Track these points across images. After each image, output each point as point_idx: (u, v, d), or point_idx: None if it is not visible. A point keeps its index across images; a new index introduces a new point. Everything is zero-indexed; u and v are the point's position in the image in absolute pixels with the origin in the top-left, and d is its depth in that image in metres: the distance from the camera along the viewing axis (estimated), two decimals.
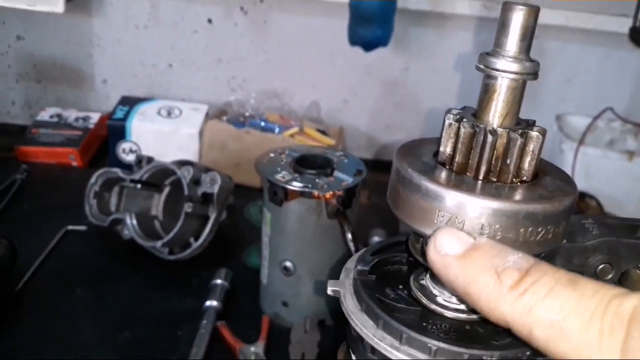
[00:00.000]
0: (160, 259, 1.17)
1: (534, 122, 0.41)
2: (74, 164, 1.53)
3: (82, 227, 1.26)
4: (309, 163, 0.97)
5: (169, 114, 1.53)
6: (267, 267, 1.03)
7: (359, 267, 0.45)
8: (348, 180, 0.94)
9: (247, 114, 1.57)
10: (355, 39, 1.44)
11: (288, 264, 0.99)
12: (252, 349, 0.98)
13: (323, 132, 1.57)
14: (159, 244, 1.13)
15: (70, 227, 1.26)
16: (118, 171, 1.23)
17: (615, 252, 0.43)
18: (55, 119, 1.61)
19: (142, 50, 1.66)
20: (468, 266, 0.36)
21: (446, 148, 0.40)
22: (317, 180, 0.93)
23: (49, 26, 1.62)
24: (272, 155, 0.99)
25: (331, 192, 0.91)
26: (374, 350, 0.41)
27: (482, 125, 0.39)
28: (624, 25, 1.56)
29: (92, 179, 1.24)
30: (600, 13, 1.58)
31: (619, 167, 1.45)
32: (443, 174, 0.39)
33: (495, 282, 0.34)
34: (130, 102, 1.56)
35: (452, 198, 0.37)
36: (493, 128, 0.39)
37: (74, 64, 1.68)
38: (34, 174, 1.45)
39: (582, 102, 1.69)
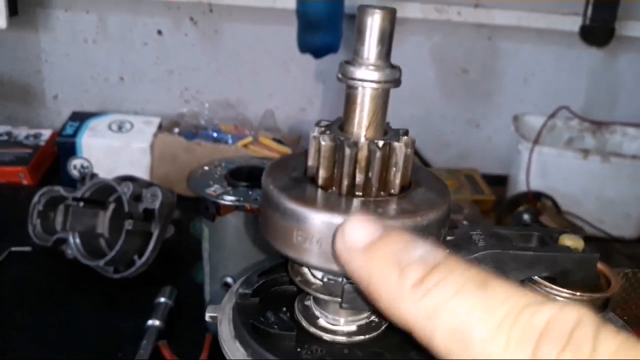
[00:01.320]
0: (107, 278, 1.14)
1: (406, 131, 0.39)
2: (24, 182, 1.50)
3: (27, 248, 1.23)
4: (244, 175, 0.95)
5: (120, 128, 1.51)
6: (208, 284, 1.00)
7: (241, 291, 0.43)
8: None
9: (201, 124, 1.55)
10: (305, 46, 1.43)
11: (229, 280, 0.97)
12: None
13: (279, 141, 1.55)
14: (101, 262, 1.11)
15: (14, 249, 1.23)
16: (60, 189, 1.20)
17: (502, 264, 0.41)
18: (4, 137, 1.57)
19: (92, 65, 1.63)
20: (371, 259, 0.31)
21: (313, 162, 0.38)
22: (250, 192, 0.91)
23: None
24: (206, 168, 0.97)
25: None
26: None
27: (343, 138, 0.37)
28: (576, 23, 1.56)
29: (35, 199, 1.21)
30: (552, 12, 1.58)
31: (575, 165, 1.44)
32: (305, 191, 0.37)
33: (397, 278, 0.30)
34: (80, 118, 1.53)
35: (309, 217, 0.35)
36: (354, 141, 0.37)
37: (23, 81, 1.65)
38: None
39: (540, 101, 1.69)
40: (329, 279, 0.38)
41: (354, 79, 0.37)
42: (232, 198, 0.89)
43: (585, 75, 1.67)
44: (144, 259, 1.12)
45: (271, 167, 0.40)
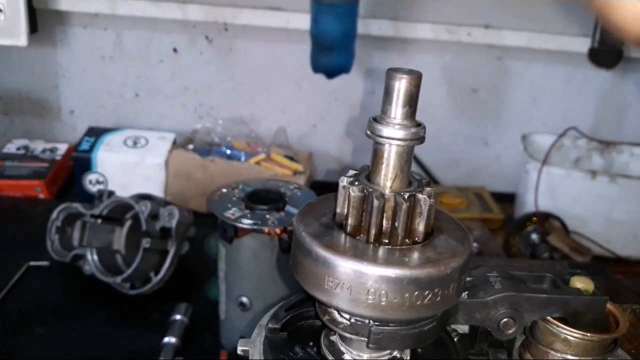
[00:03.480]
0: (123, 294, 1.17)
1: (429, 182, 0.42)
2: (41, 196, 1.52)
3: (45, 263, 1.25)
4: (261, 198, 0.97)
5: (135, 143, 1.54)
6: (224, 302, 1.02)
7: (270, 325, 0.45)
8: None
9: (214, 141, 1.57)
10: (318, 67, 1.46)
11: (244, 299, 0.99)
12: None
13: (291, 158, 1.57)
14: (119, 279, 1.13)
15: (32, 263, 1.25)
16: (79, 206, 1.23)
17: (516, 305, 0.43)
18: (22, 151, 1.60)
19: (109, 80, 1.66)
20: None
21: (342, 210, 0.41)
22: (267, 216, 0.93)
23: (13, 58, 1.63)
24: (224, 190, 0.99)
25: (281, 228, 0.91)
26: None
27: (371, 189, 0.39)
28: (585, 45, 1.58)
29: (54, 214, 1.24)
30: (561, 34, 1.60)
31: (583, 186, 1.46)
32: (335, 238, 0.39)
33: None
34: (96, 133, 1.56)
35: (340, 265, 0.37)
36: (381, 192, 0.39)
37: (40, 96, 1.68)
38: (0, 208, 1.45)
39: (548, 121, 1.71)
40: (356, 320, 0.41)
41: (381, 136, 0.39)
42: (250, 221, 0.91)
43: (594, 96, 1.69)
44: (160, 276, 1.15)
45: (302, 212, 0.42)
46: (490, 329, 0.44)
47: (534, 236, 1.41)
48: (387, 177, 0.40)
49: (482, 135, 1.72)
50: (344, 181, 0.41)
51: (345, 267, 0.37)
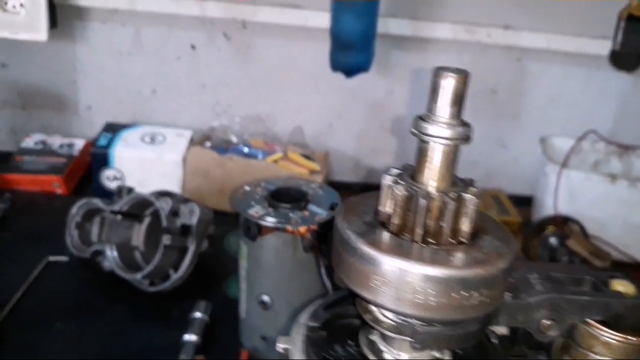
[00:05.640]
0: (142, 290, 1.17)
1: (472, 181, 0.41)
2: (58, 191, 1.53)
3: (64, 258, 1.25)
4: (284, 196, 0.97)
5: (153, 140, 1.54)
6: (245, 301, 1.02)
7: (310, 324, 0.45)
8: (322, 214, 0.94)
9: (231, 139, 1.57)
10: (337, 66, 1.45)
11: (265, 298, 0.99)
12: None
13: (307, 157, 1.57)
14: (138, 276, 1.13)
15: (51, 258, 1.25)
16: (99, 202, 1.23)
17: (558, 307, 0.43)
18: (39, 146, 1.61)
19: (126, 76, 1.67)
20: None
21: (385, 208, 0.40)
22: (290, 214, 0.93)
23: (33, 53, 1.63)
24: (247, 188, 0.99)
25: (305, 227, 0.91)
26: None
27: (416, 188, 0.39)
28: (605, 47, 1.57)
29: (73, 210, 1.24)
30: (581, 35, 1.59)
31: (603, 190, 1.45)
32: (380, 237, 0.39)
33: None
34: (114, 129, 1.57)
35: (386, 263, 0.37)
36: (427, 191, 0.39)
37: (58, 90, 1.68)
38: (18, 203, 1.45)
39: (566, 123, 1.70)
40: (401, 320, 0.40)
41: (427, 134, 0.39)
42: (274, 219, 0.91)
43: (613, 99, 1.68)
44: (179, 273, 1.15)
45: (343, 210, 0.42)
46: (530, 330, 0.44)
47: (553, 240, 1.41)
48: (432, 177, 0.40)
49: (499, 137, 1.71)
50: (387, 180, 0.40)
51: (393, 265, 0.37)
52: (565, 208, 1.45)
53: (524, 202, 1.64)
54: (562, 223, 1.40)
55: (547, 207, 1.48)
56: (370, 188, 1.61)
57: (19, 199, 1.46)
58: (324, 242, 0.94)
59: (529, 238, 1.41)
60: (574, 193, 1.47)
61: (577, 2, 1.57)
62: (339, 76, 1.49)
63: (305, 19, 1.56)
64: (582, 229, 1.40)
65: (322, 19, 1.44)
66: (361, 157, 1.76)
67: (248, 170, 1.47)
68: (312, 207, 0.96)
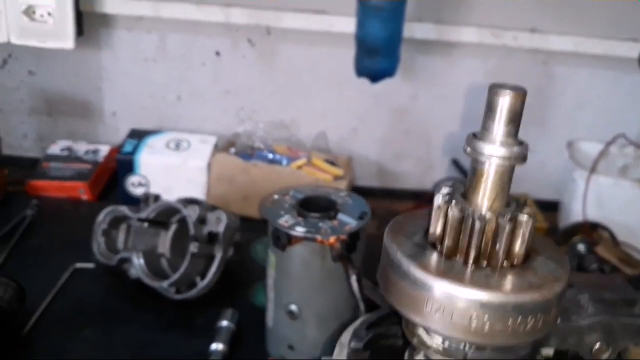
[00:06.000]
0: (168, 298, 1.17)
1: (525, 201, 0.40)
2: (84, 197, 1.54)
3: (90, 265, 1.26)
4: (313, 205, 0.96)
5: (177, 146, 1.54)
6: (272, 310, 1.02)
7: (353, 345, 0.44)
8: (352, 223, 0.93)
9: (255, 145, 1.57)
10: (362, 71, 1.44)
11: (293, 307, 0.98)
12: None
13: (331, 163, 1.56)
14: (165, 283, 1.13)
15: (78, 265, 1.26)
16: (125, 209, 1.23)
17: (610, 330, 0.42)
18: (65, 153, 1.62)
19: (151, 83, 1.67)
20: None
21: (436, 229, 0.39)
22: (320, 224, 0.92)
23: (59, 60, 1.64)
24: (276, 197, 0.98)
25: (335, 237, 0.90)
26: None
27: (470, 209, 0.38)
28: (634, 49, 1.54)
29: (100, 217, 1.24)
30: (609, 38, 1.56)
31: (632, 195, 1.43)
32: (432, 259, 0.38)
33: None
34: (139, 135, 1.57)
35: (441, 288, 0.36)
36: (481, 213, 0.38)
37: (84, 97, 1.69)
38: (44, 209, 1.46)
39: (594, 127, 1.67)
40: (451, 344, 0.39)
41: (482, 154, 0.38)
42: (304, 229, 0.90)
43: None
44: (206, 281, 1.15)
45: (391, 230, 0.41)
46: (582, 353, 0.42)
47: (581, 246, 1.38)
48: (486, 197, 0.39)
49: (526, 141, 1.69)
50: (439, 200, 0.39)
51: (450, 291, 0.36)
52: (593, 214, 1.43)
53: (551, 207, 1.61)
54: (591, 229, 1.38)
55: (575, 212, 1.46)
56: (393, 193, 1.59)
57: (45, 205, 1.47)
58: (352, 251, 0.94)
59: (557, 245, 1.38)
60: (602, 199, 1.44)
61: (605, 3, 1.54)
62: (363, 81, 1.48)
63: (330, 24, 1.55)
64: (612, 236, 1.38)
65: (347, 24, 1.43)
66: (385, 162, 1.75)
67: (272, 176, 1.46)
68: (342, 217, 0.95)
